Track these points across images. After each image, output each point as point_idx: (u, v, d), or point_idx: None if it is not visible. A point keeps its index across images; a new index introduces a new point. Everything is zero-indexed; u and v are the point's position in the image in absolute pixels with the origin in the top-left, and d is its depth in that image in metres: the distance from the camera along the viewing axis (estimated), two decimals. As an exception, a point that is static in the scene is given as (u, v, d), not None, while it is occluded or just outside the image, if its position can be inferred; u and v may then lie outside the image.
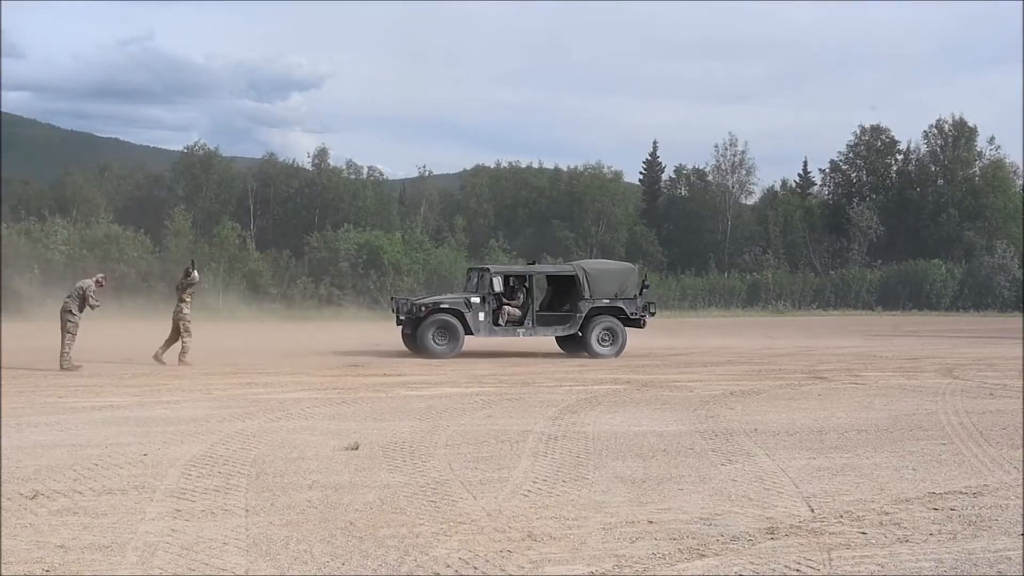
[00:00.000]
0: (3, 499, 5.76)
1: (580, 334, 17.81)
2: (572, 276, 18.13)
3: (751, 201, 68.51)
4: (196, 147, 59.52)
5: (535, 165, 68.92)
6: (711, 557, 4.80)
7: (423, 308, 17.35)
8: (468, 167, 70.82)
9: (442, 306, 17.42)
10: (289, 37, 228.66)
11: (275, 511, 5.60)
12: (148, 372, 14.07)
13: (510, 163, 68.71)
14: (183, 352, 15.30)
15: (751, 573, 4.56)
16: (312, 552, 4.79)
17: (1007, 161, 65.02)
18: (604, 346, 17.73)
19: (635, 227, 62.91)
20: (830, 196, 68.51)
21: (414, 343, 17.59)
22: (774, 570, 4.60)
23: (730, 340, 23.86)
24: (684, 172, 67.95)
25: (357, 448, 7.60)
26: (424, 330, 17.12)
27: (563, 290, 18.78)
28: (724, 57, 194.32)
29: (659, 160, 68.88)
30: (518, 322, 17.81)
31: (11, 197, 50.43)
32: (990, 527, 5.46)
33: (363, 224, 51.45)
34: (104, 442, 7.86)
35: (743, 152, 65.50)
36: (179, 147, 71.32)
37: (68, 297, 14.85)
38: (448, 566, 4.58)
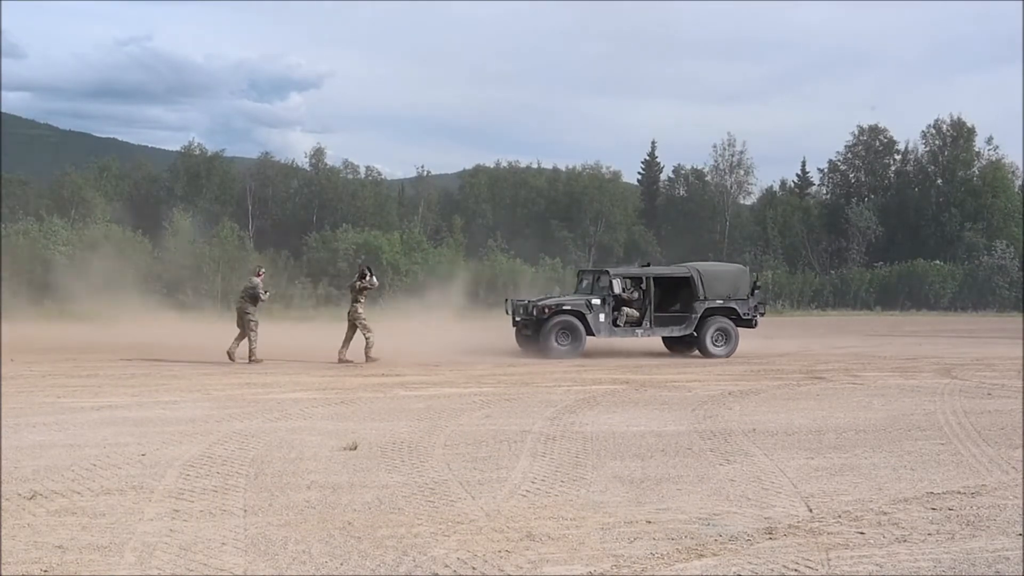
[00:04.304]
0: (2, 499, 5.75)
1: (695, 334, 18.20)
2: (687, 278, 18.50)
3: (749, 201, 68.58)
4: (192, 147, 59.60)
5: (534, 165, 69.03)
6: (709, 557, 4.80)
7: (546, 310, 17.65)
8: (467, 167, 70.88)
9: (564, 307, 17.74)
10: (289, 37, 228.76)
11: (273, 511, 5.60)
12: (147, 372, 14.07)
13: (509, 163, 68.77)
14: (368, 347, 16.05)
15: (749, 573, 4.57)
16: (310, 552, 4.79)
17: (1006, 161, 65.16)
18: (718, 346, 18.14)
19: (633, 227, 62.97)
20: (828, 196, 68.57)
21: (533, 344, 17.90)
22: (772, 570, 4.61)
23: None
24: (683, 172, 68.04)
25: (355, 448, 7.60)
26: (548, 331, 17.45)
27: (671, 291, 19.09)
28: (723, 57, 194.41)
29: (658, 160, 68.98)
30: (636, 323, 18.16)
31: (9, 197, 50.40)
32: (988, 527, 5.47)
33: (362, 224, 51.46)
34: (102, 442, 7.86)
35: (741, 152, 65.64)
36: (178, 147, 71.38)
37: (242, 297, 16.16)
38: (446, 566, 4.58)
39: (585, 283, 19.31)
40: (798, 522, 5.50)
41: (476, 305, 45.52)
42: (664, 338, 18.94)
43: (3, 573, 4.42)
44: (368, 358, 15.89)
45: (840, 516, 5.66)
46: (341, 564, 4.61)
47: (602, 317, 17.76)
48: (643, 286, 18.45)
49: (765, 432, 8.78)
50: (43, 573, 4.43)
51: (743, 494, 6.20)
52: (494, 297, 47.90)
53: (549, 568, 4.60)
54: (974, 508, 5.91)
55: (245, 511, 5.58)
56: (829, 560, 4.77)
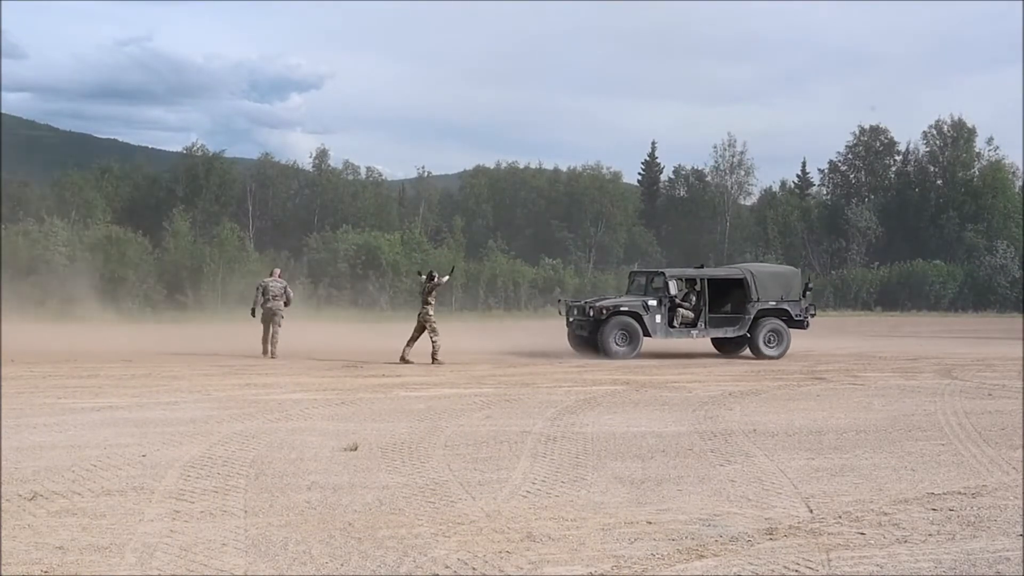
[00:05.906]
0: (2, 500, 5.76)
1: (748, 335, 18.35)
2: (740, 279, 18.63)
3: (750, 202, 68.54)
4: (195, 148, 59.62)
5: (534, 165, 68.95)
6: (710, 558, 4.80)
7: (604, 311, 17.72)
8: (467, 167, 70.85)
9: (622, 309, 17.83)
10: (289, 37, 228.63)
11: (274, 512, 5.60)
12: (148, 373, 14.07)
13: (509, 164, 68.71)
14: (435, 351, 16.05)
15: (750, 574, 4.57)
16: (311, 553, 4.79)
17: (1007, 162, 65.10)
18: (770, 347, 18.31)
19: (634, 228, 62.91)
20: (828, 197, 68.55)
21: (589, 344, 17.98)
22: (773, 571, 4.61)
23: (729, 341, 23.81)
24: (683, 173, 67.97)
25: (356, 449, 7.61)
26: (606, 332, 17.54)
27: (722, 292, 19.19)
28: (723, 57, 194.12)
29: (658, 161, 68.91)
30: (691, 324, 18.32)
31: (10, 198, 50.36)
32: (989, 528, 5.47)
33: (362, 225, 51.44)
34: (103, 443, 7.86)
35: (742, 152, 65.53)
36: (178, 148, 71.50)
37: (275, 299, 16.83)
38: (447, 567, 4.58)
39: (636, 284, 19.45)
40: (799, 523, 5.50)
41: (476, 305, 45.56)
42: (714, 339, 19.07)
43: (3, 574, 4.42)
44: (435, 360, 15.86)
45: (841, 517, 5.66)
46: (342, 565, 4.61)
47: (658, 318, 17.91)
48: (697, 287, 18.60)
49: (766, 433, 8.78)
50: (43, 574, 4.43)
51: (744, 495, 6.20)
52: (494, 298, 47.95)
53: (549, 569, 4.60)
54: (975, 509, 5.91)
55: (246, 512, 5.58)
56: (830, 561, 4.77)
